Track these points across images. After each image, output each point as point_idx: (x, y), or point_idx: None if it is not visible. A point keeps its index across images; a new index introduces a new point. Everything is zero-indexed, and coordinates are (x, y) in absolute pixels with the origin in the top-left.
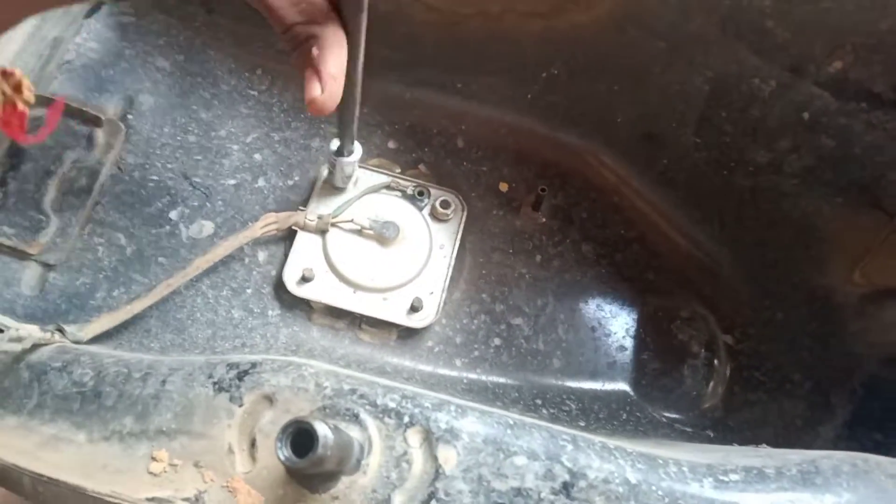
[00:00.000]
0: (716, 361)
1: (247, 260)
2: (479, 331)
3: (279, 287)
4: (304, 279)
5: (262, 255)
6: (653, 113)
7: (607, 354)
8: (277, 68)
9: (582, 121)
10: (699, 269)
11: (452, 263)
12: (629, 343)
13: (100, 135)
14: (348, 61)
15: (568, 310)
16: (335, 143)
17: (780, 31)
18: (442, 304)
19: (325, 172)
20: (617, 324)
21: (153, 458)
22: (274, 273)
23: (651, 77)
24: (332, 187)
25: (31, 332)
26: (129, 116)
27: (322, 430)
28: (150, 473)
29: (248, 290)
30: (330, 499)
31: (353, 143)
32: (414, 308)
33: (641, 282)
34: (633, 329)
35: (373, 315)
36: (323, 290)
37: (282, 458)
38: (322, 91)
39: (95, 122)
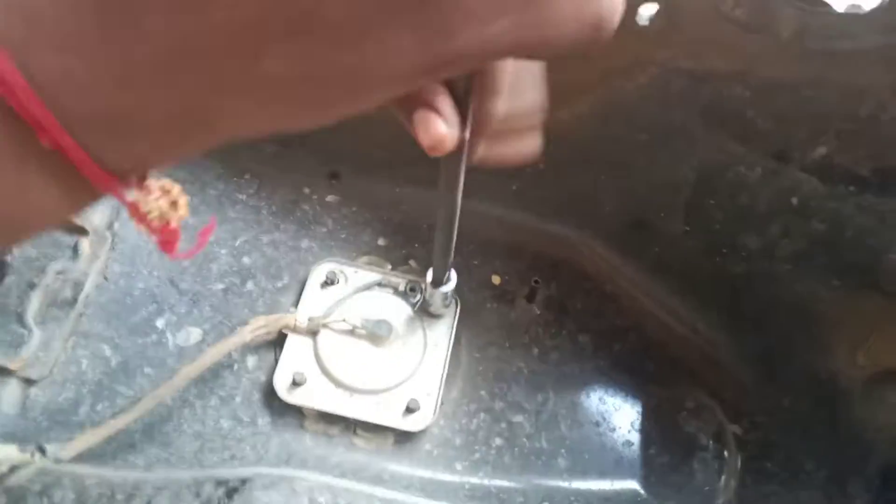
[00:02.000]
0: (725, 453)
1: (236, 366)
2: (479, 431)
3: (270, 393)
4: (296, 384)
5: (251, 361)
6: (641, 202)
7: (614, 450)
8: (265, 172)
9: (570, 212)
10: (700, 357)
11: (448, 361)
12: (635, 437)
13: (85, 244)
14: (450, 182)
15: (570, 404)
16: (430, 274)
17: (762, 121)
18: (439, 405)
19: (314, 273)
20: (621, 417)
21: None
22: (264, 379)
23: (636, 168)
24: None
25: (10, 454)
26: (115, 224)
27: None
28: None
29: (238, 399)
30: None
31: (449, 271)
32: (410, 410)
33: (642, 372)
34: (638, 422)
35: (368, 419)
36: (315, 396)
37: None
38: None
39: (80, 231)
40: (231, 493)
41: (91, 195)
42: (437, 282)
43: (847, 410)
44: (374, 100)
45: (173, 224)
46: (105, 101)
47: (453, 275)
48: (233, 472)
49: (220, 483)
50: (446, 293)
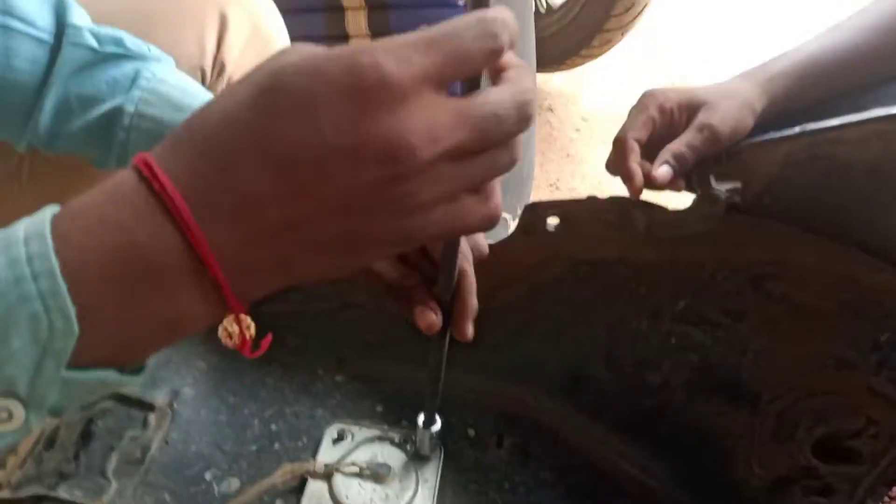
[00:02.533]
0: None
1: None
2: None
3: None
4: None
5: (278, 503)
6: (573, 360)
7: None
8: (288, 360)
9: (523, 376)
10: (636, 483)
11: (436, 494)
12: None
13: (152, 418)
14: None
15: None
16: (421, 417)
17: (640, 289)
18: None
19: (328, 432)
20: None
21: None
22: None
23: (565, 333)
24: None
25: None
26: (175, 404)
27: None
28: None
29: None
30: None
31: (434, 414)
32: None
33: (594, 498)
34: None
35: None
36: None
37: None
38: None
39: (149, 408)
40: None
41: (222, 315)
42: (427, 422)
43: None
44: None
45: (247, 337)
46: (243, 255)
47: (438, 419)
48: None
49: None
50: (433, 433)
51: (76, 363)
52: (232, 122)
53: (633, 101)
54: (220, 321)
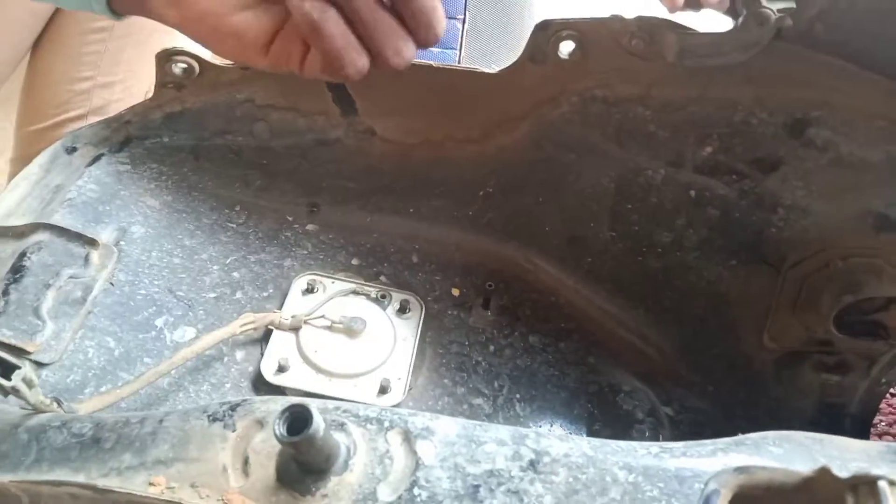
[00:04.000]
0: (660, 428)
1: (225, 359)
2: (444, 411)
3: (257, 381)
4: (281, 369)
5: (239, 354)
6: (573, 217)
7: (562, 427)
8: (253, 204)
9: (516, 233)
10: (632, 351)
11: (415, 352)
12: (581, 417)
13: (95, 256)
14: None
15: (523, 390)
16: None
17: (661, 132)
18: (408, 388)
19: (297, 282)
20: (567, 401)
21: (150, 484)
22: (251, 369)
23: (567, 185)
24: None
25: (36, 395)
26: (122, 243)
27: (316, 411)
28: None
29: (227, 385)
30: (320, 497)
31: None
32: (382, 390)
33: (585, 364)
34: (583, 404)
35: (345, 398)
36: (298, 379)
37: (278, 434)
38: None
39: (91, 244)
40: (234, 406)
41: None
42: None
43: (764, 392)
44: None
45: None
46: None
47: None
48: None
49: (223, 403)
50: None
51: None
52: None
53: None
54: None
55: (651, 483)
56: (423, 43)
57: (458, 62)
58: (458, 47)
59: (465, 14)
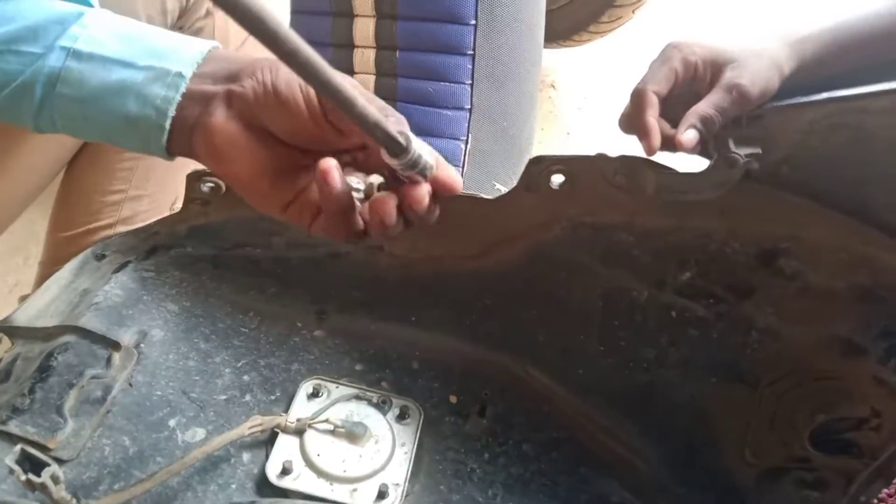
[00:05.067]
0: None
1: (232, 460)
2: None
3: (261, 482)
4: (284, 472)
5: (246, 456)
6: (565, 330)
7: None
8: (267, 310)
9: (512, 343)
10: (621, 461)
11: (413, 459)
12: None
13: (116, 358)
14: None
15: (516, 498)
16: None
17: (643, 257)
18: (405, 494)
19: (303, 386)
20: None
21: None
22: (256, 471)
23: (559, 300)
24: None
25: (59, 492)
26: (142, 346)
27: None
28: None
29: (233, 486)
30: None
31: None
32: (381, 495)
33: (576, 475)
34: None
35: (345, 503)
36: (301, 482)
37: None
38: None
39: (114, 346)
40: None
41: None
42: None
43: None
44: None
45: None
46: None
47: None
48: None
49: None
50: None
51: None
52: None
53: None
54: None
55: None
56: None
57: (463, 177)
58: (462, 165)
59: (467, 137)
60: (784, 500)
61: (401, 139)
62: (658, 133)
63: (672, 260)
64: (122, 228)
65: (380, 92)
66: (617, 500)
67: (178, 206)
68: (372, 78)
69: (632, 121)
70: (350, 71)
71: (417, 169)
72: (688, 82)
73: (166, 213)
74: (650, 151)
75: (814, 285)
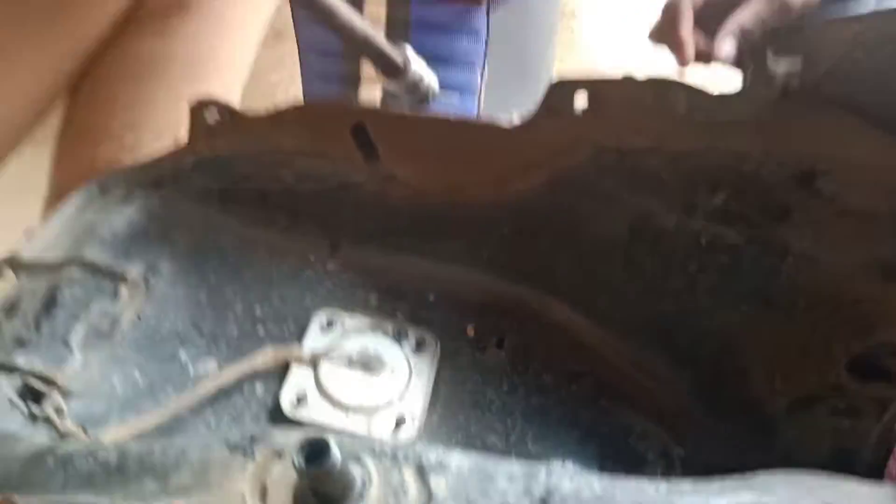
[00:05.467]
0: (671, 469)
1: (246, 392)
2: (457, 447)
3: (275, 414)
4: (299, 403)
5: (259, 388)
6: (588, 260)
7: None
8: (277, 244)
9: (531, 274)
10: (645, 392)
11: (430, 389)
12: (592, 456)
13: (124, 290)
14: None
15: (535, 429)
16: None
17: (672, 181)
18: (422, 424)
19: (316, 318)
20: (579, 440)
21: None
22: (270, 403)
23: (582, 229)
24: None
25: (64, 423)
26: (150, 279)
27: (334, 443)
28: None
29: (247, 417)
30: None
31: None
32: (398, 425)
33: (597, 406)
34: (594, 444)
35: (361, 432)
36: (316, 412)
37: (297, 465)
38: None
39: (121, 279)
40: (255, 438)
41: None
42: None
43: (776, 435)
44: None
45: None
46: None
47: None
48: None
49: (244, 435)
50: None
51: None
52: None
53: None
54: None
55: None
56: None
57: (478, 108)
58: (478, 94)
59: (484, 65)
60: (815, 429)
61: (397, 58)
62: (692, 45)
63: (703, 183)
64: (126, 158)
65: (392, 17)
66: (640, 430)
67: (183, 135)
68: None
69: (663, 34)
70: None
71: (419, 94)
72: None
73: (170, 143)
74: (683, 63)
75: (854, 207)
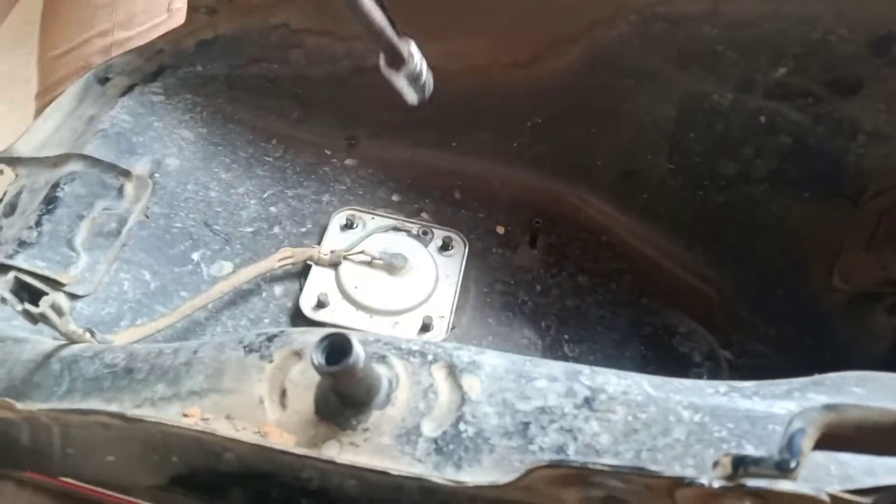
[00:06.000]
0: (719, 372)
1: (264, 294)
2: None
3: (296, 316)
4: (320, 305)
5: (278, 289)
6: (629, 149)
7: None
8: (291, 137)
9: (566, 168)
10: (690, 291)
11: (458, 290)
12: (635, 357)
13: (129, 188)
14: None
15: (571, 331)
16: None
17: (729, 52)
18: (451, 327)
19: (335, 218)
20: (620, 342)
21: (184, 415)
22: (290, 305)
23: (623, 114)
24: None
25: (66, 324)
26: (156, 175)
27: (356, 341)
28: None
29: (266, 320)
30: (361, 431)
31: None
32: (425, 327)
33: (638, 306)
34: (635, 346)
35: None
36: (338, 315)
37: (316, 364)
38: None
39: (125, 175)
40: (272, 337)
41: None
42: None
43: (831, 336)
44: None
45: None
46: None
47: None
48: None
49: (260, 334)
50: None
51: None
52: None
53: None
54: None
55: (719, 423)
56: None
57: None
58: None
59: None
60: (875, 328)
61: (402, 49)
62: None
63: (764, 54)
64: (120, 34)
65: None
66: (685, 331)
67: (176, 5)
68: None
69: None
70: None
71: (416, 87)
72: None
73: (164, 15)
74: None
75: None
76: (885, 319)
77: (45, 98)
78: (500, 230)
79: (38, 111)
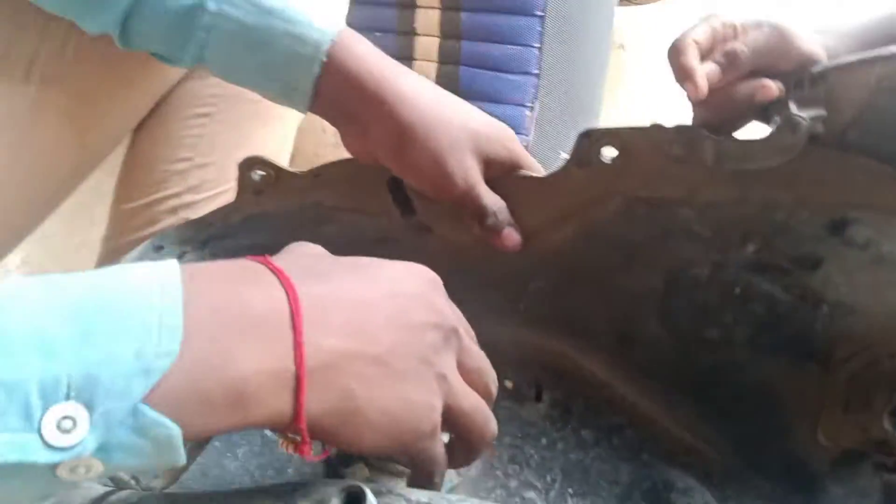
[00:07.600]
0: None
1: None
2: (497, 502)
3: (317, 465)
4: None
5: None
6: (622, 314)
7: None
8: None
9: (567, 328)
10: (686, 447)
11: None
12: None
13: None
14: None
15: (576, 484)
16: None
17: (705, 232)
18: (460, 480)
19: None
20: (621, 496)
21: None
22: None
23: (616, 282)
24: None
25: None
26: None
27: (370, 494)
28: None
29: (290, 470)
30: None
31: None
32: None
33: (638, 461)
34: (636, 500)
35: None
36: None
37: None
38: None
39: None
40: (295, 487)
41: (284, 422)
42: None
43: (823, 492)
44: None
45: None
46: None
47: None
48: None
49: (285, 485)
50: None
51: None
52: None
53: None
54: (280, 428)
55: None
56: None
57: (528, 148)
58: (527, 133)
59: (534, 103)
60: (864, 485)
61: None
62: (702, 74)
63: (735, 234)
64: (188, 197)
65: (442, 53)
66: (682, 487)
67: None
68: (435, 41)
69: (673, 69)
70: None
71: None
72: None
73: (232, 183)
74: (697, 95)
75: (888, 254)
76: (872, 476)
77: (109, 243)
78: (509, 385)
79: (101, 255)
